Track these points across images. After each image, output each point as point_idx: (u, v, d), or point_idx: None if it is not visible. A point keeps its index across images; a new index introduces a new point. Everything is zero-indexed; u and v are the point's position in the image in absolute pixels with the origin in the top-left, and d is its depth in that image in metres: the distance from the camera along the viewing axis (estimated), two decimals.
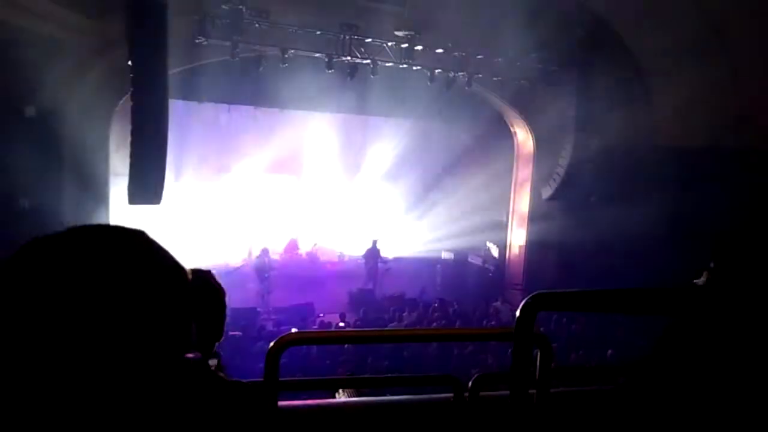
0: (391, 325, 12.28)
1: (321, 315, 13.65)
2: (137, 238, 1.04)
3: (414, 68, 13.21)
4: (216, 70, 12.38)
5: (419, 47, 12.90)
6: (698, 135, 12.31)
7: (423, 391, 2.96)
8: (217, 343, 2.21)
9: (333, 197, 21.09)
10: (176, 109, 13.05)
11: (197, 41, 11.24)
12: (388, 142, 20.05)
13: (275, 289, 15.34)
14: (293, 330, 9.73)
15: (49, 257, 0.94)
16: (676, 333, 1.37)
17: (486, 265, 18.00)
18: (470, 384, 2.59)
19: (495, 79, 14.12)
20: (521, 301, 1.33)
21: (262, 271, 15.79)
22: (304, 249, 19.76)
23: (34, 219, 9.54)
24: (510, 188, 17.12)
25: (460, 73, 13.48)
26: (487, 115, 16.63)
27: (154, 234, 1.07)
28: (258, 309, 14.09)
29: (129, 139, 9.56)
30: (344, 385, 4.90)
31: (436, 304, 13.74)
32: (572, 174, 14.27)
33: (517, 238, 16.85)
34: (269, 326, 12.52)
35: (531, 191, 16.14)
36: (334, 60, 12.39)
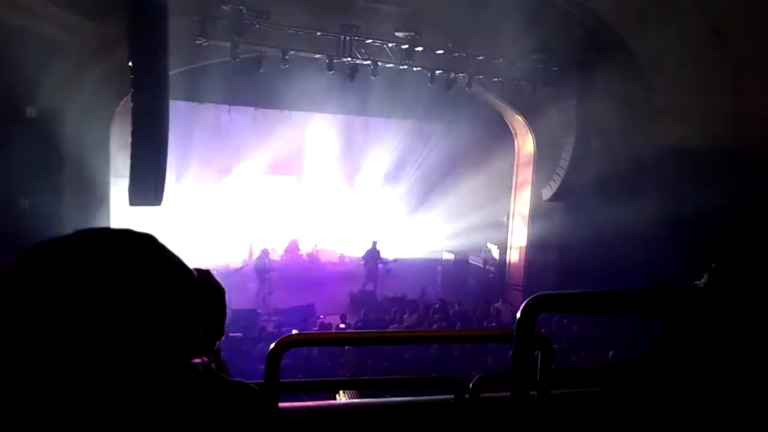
0: (391, 326, 12.28)
1: (321, 316, 13.66)
2: (147, 242, 1.04)
3: (414, 69, 13.21)
4: (216, 70, 12.38)
5: (420, 48, 12.90)
6: (698, 135, 12.30)
7: (424, 392, 2.95)
8: (218, 343, 2.21)
9: (333, 198, 21.10)
10: (177, 109, 13.06)
11: (198, 42, 11.24)
12: (389, 143, 20.07)
13: (276, 290, 15.36)
14: (294, 331, 9.73)
15: (58, 260, 0.94)
16: (677, 334, 1.37)
17: (486, 266, 18.01)
18: (471, 385, 2.58)
19: (495, 79, 14.12)
20: (522, 303, 1.32)
21: (263, 272, 15.79)
22: (304, 250, 19.77)
23: (34, 219, 9.54)
24: (510, 189, 17.12)
25: (460, 74, 13.48)
26: (488, 116, 16.63)
27: (154, 235, 1.07)
28: (258, 310, 14.11)
29: (129, 139, 9.55)
30: (345, 386, 4.90)
31: (436, 306, 13.74)
32: (573, 175, 14.27)
33: (518, 239, 16.85)
34: (270, 327, 12.53)
35: (531, 192, 16.14)
36: (335, 61, 12.39)
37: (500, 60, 13.63)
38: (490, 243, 18.11)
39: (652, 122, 13.82)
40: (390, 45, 12.82)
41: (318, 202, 20.96)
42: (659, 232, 12.37)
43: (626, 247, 12.78)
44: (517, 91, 14.66)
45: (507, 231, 17.30)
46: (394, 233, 20.30)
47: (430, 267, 18.83)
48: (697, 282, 1.48)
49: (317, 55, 12.39)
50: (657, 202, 12.45)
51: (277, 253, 18.66)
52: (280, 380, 2.17)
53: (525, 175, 16.55)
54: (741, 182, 10.89)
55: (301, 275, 17.71)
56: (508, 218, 17.29)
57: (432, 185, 20.32)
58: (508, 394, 1.34)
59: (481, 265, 18.20)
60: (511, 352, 1.40)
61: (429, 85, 13.57)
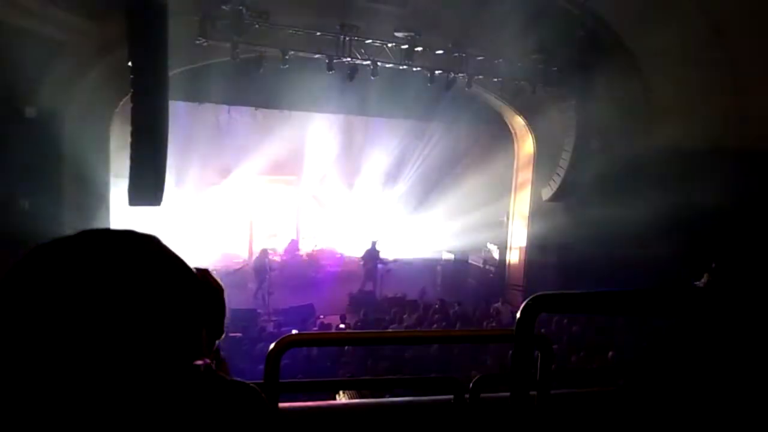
0: (391, 326, 12.28)
1: (321, 316, 13.66)
2: (150, 243, 1.03)
3: (414, 69, 13.21)
4: (216, 71, 12.38)
5: (419, 48, 12.90)
6: (698, 135, 12.30)
7: (423, 392, 2.95)
8: (217, 342, 2.21)
9: (333, 198, 21.10)
10: (176, 110, 13.06)
11: (197, 42, 11.24)
12: (388, 143, 20.07)
13: (275, 291, 15.35)
14: (293, 331, 9.73)
15: (62, 261, 0.94)
16: (677, 334, 1.37)
17: (486, 267, 18.01)
18: (471, 385, 2.58)
19: (495, 80, 14.12)
20: (522, 303, 1.32)
21: (262, 272, 15.79)
22: (304, 250, 19.77)
23: (34, 219, 9.54)
24: (510, 189, 17.12)
25: (460, 75, 13.48)
26: (488, 116, 16.64)
27: (157, 236, 1.07)
28: (258, 310, 14.10)
29: (129, 140, 9.55)
30: (345, 386, 4.90)
31: (436, 306, 13.74)
32: (572, 175, 14.27)
33: (518, 239, 16.86)
34: (269, 327, 12.53)
35: (531, 192, 16.14)
36: (335, 61, 12.39)
37: (500, 60, 13.63)
38: (490, 243, 18.11)
39: (652, 122, 13.82)
40: (390, 45, 12.82)
41: (317, 202, 20.96)
42: (659, 233, 12.36)
43: (626, 248, 12.77)
44: (516, 92, 14.66)
45: (507, 231, 17.30)
46: (394, 233, 20.29)
47: (429, 267, 18.83)
48: (697, 282, 1.48)
49: (317, 55, 12.38)
50: (657, 203, 12.44)
51: (276, 253, 18.67)
52: (280, 380, 2.17)
53: (525, 175, 16.56)
54: (741, 182, 10.89)
55: (300, 275, 17.72)
56: (507, 218, 17.29)
57: (432, 185, 20.32)
58: (508, 394, 1.34)
59: (481, 266, 18.20)
60: (511, 352, 1.40)
61: (429, 85, 13.57)
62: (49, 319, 0.89)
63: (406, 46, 12.78)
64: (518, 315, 1.31)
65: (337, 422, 2.67)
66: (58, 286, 0.90)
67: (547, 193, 15.21)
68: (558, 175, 14.62)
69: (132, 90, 9.37)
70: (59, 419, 0.88)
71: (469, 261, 18.58)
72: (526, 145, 16.48)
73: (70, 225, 10.18)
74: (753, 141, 11.56)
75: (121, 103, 11.15)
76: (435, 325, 12.18)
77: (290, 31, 11.82)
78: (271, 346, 2.20)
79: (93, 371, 0.89)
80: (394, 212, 20.96)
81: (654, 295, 1.36)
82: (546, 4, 12.16)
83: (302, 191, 20.50)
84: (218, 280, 1.47)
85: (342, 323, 12.88)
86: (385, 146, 20.06)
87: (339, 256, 20.12)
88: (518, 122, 16.23)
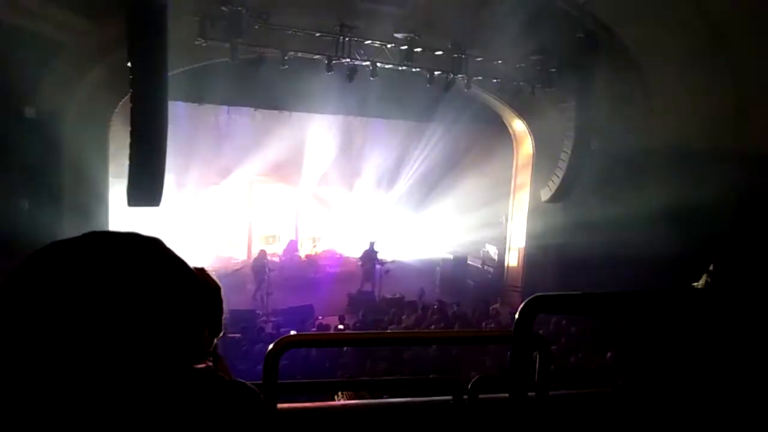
0: (390, 327, 12.29)
1: (320, 317, 13.65)
2: (153, 246, 1.04)
3: (413, 70, 13.22)
4: (216, 71, 12.37)
5: (418, 49, 12.91)
6: (698, 135, 12.30)
7: (422, 393, 2.95)
8: (216, 340, 2.21)
9: (332, 199, 21.11)
10: (176, 110, 13.05)
11: (197, 43, 11.24)
12: (388, 143, 20.07)
13: (274, 291, 15.34)
14: (292, 332, 9.73)
15: (66, 263, 0.94)
16: (676, 335, 1.37)
17: (485, 267, 18.02)
18: (469, 386, 2.58)
19: (494, 81, 14.14)
20: (520, 304, 1.33)
21: (261, 273, 15.79)
22: (303, 251, 19.78)
23: (33, 219, 9.54)
24: (509, 190, 17.13)
25: (459, 75, 13.49)
26: (487, 117, 16.64)
27: (160, 238, 1.07)
28: (257, 311, 14.10)
29: (128, 140, 9.55)
30: (343, 387, 4.90)
31: (435, 306, 13.74)
32: (571, 176, 14.27)
33: (517, 240, 16.87)
34: (268, 328, 12.52)
35: (530, 193, 16.15)
36: (334, 62, 12.39)
37: (499, 61, 13.65)
38: (489, 244, 18.12)
39: (651, 122, 13.83)
40: (389, 46, 12.82)
41: (317, 202, 20.97)
42: (658, 233, 12.36)
43: (625, 248, 12.77)
44: (516, 92, 14.67)
45: (506, 232, 17.31)
46: (393, 234, 20.31)
47: (428, 268, 18.84)
48: (696, 283, 1.48)
49: (316, 56, 12.39)
50: (656, 203, 12.44)
51: (275, 254, 18.67)
52: (279, 381, 2.17)
53: (524, 176, 16.57)
54: (740, 182, 10.89)
55: (299, 276, 17.73)
56: (506, 219, 17.30)
57: (431, 186, 20.33)
58: (507, 395, 1.34)
59: (480, 266, 18.21)
60: (509, 353, 1.40)
61: (428, 86, 13.58)
62: (54, 321, 0.89)
63: (405, 47, 12.79)
64: (517, 316, 1.31)
65: (336, 423, 2.67)
66: (62, 288, 0.91)
67: (546, 193, 15.21)
68: (557, 176, 14.63)
69: (131, 90, 9.37)
70: (63, 419, 0.89)
71: (468, 262, 18.58)
72: (525, 146, 16.49)
73: (69, 225, 10.19)
74: (753, 141, 11.56)
75: (121, 103, 11.15)
76: (434, 326, 12.18)
77: (290, 32, 11.82)
78: (270, 346, 2.20)
79: (97, 372, 0.89)
80: (393, 213, 20.97)
81: (652, 296, 1.36)
82: (545, 6, 12.16)
83: (301, 192, 20.50)
84: (215, 278, 1.48)
85: (341, 324, 12.88)
86: (384, 147, 20.06)
87: (338, 256, 20.13)
88: (517, 123, 16.24)
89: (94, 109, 11.20)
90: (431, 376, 3.48)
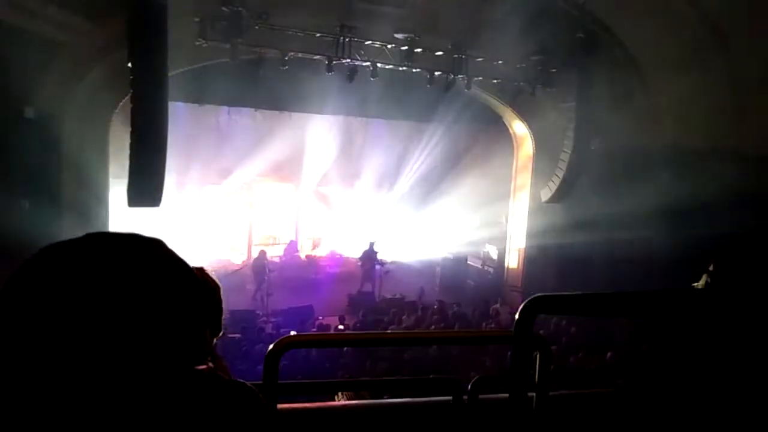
0: (390, 327, 12.28)
1: (320, 317, 13.66)
2: (155, 247, 1.04)
3: (413, 70, 13.22)
4: (216, 72, 12.39)
5: (419, 49, 12.91)
6: (698, 135, 12.30)
7: (422, 393, 2.95)
8: (216, 340, 2.22)
9: (332, 199, 21.11)
10: (176, 111, 13.05)
11: (197, 43, 11.25)
12: (388, 144, 20.08)
13: (274, 292, 15.35)
14: (292, 332, 9.73)
15: (68, 263, 0.94)
16: (676, 336, 1.37)
17: (485, 268, 18.01)
18: (469, 387, 2.58)
19: (494, 81, 14.15)
20: (520, 304, 1.32)
21: (261, 273, 15.79)
22: (303, 251, 19.77)
23: (33, 220, 9.53)
24: (509, 190, 17.13)
25: (459, 76, 13.49)
26: (487, 117, 16.66)
27: (162, 239, 1.07)
28: (257, 311, 14.10)
29: (128, 141, 9.55)
30: (344, 387, 4.90)
31: (435, 307, 13.74)
32: (572, 176, 14.27)
33: (517, 240, 16.87)
34: (268, 328, 12.52)
35: (530, 193, 16.15)
36: (334, 62, 12.39)
37: (499, 61, 13.65)
38: (489, 244, 18.11)
39: (652, 123, 13.82)
40: (389, 46, 12.83)
41: (317, 203, 20.97)
42: (658, 233, 12.37)
43: (625, 248, 12.78)
44: (516, 93, 14.68)
45: (506, 232, 17.31)
46: (393, 234, 20.31)
47: (428, 268, 18.85)
48: (695, 284, 1.48)
49: (316, 57, 12.39)
50: (656, 203, 12.44)
51: (275, 254, 18.68)
52: (279, 381, 2.17)
53: (524, 176, 16.57)
54: (740, 182, 10.88)
55: (299, 276, 17.73)
56: (506, 219, 17.30)
57: (431, 186, 20.34)
58: (507, 395, 1.34)
59: (480, 267, 18.21)
60: (509, 353, 1.40)
61: (428, 86, 13.58)
62: (55, 323, 0.89)
63: (405, 48, 12.79)
64: (517, 316, 1.31)
65: (336, 423, 2.67)
66: (63, 290, 0.90)
67: (546, 194, 15.21)
68: (557, 176, 14.62)
69: (131, 91, 9.37)
70: (64, 421, 0.89)
71: (468, 262, 18.58)
72: (525, 146, 16.49)
73: (68, 225, 10.19)
74: (752, 141, 11.56)
75: (121, 104, 11.15)
76: (434, 326, 12.18)
77: (290, 33, 11.82)
78: (270, 347, 2.20)
79: (98, 373, 0.89)
80: (393, 213, 20.97)
81: (652, 297, 1.36)
82: (545, 6, 12.16)
83: (302, 192, 20.51)
84: (215, 278, 1.48)
85: (341, 324, 12.88)
86: (384, 147, 20.07)
87: (338, 257, 20.13)
88: (517, 123, 16.24)
89: (94, 110, 11.20)
90: (431, 376, 3.48)
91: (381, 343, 8.07)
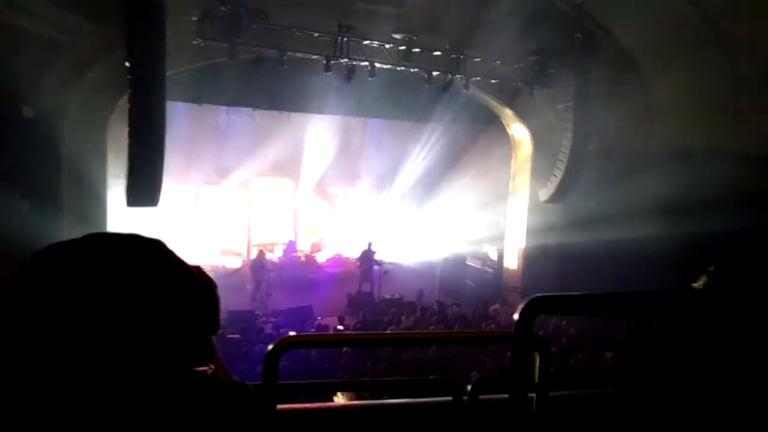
0: (390, 328, 12.28)
1: (319, 318, 13.65)
2: (156, 247, 1.03)
3: (411, 70, 13.22)
4: (214, 72, 12.38)
5: (417, 49, 12.91)
6: (697, 135, 12.32)
7: (422, 394, 2.95)
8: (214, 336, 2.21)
9: (331, 199, 21.12)
10: (175, 110, 13.04)
11: (196, 43, 11.24)
12: (386, 144, 20.08)
13: (274, 292, 15.35)
14: (292, 333, 9.72)
15: (68, 264, 0.94)
16: (675, 336, 1.37)
17: (484, 268, 18.01)
18: (469, 387, 2.58)
19: (492, 81, 14.15)
20: (520, 304, 1.32)
21: (260, 273, 15.79)
22: (302, 251, 19.77)
23: (32, 219, 9.52)
24: (508, 190, 17.13)
25: (457, 76, 13.49)
26: (485, 118, 16.67)
27: (162, 240, 1.07)
28: (256, 311, 14.10)
29: (127, 140, 9.54)
30: (343, 388, 4.89)
31: (435, 307, 13.74)
32: (570, 176, 14.28)
33: (516, 240, 16.86)
34: (268, 329, 12.51)
35: (529, 193, 16.15)
36: (332, 62, 12.38)
37: (497, 62, 13.65)
38: (488, 244, 18.11)
39: (650, 123, 13.83)
40: (387, 46, 12.83)
41: (316, 203, 20.97)
42: (658, 233, 12.37)
43: (624, 249, 12.78)
44: (514, 93, 14.69)
45: (505, 232, 17.31)
46: (392, 234, 20.31)
47: (428, 269, 18.84)
48: (695, 284, 1.48)
49: (315, 56, 12.39)
50: (655, 203, 12.45)
51: (275, 255, 18.68)
52: (279, 382, 2.16)
53: (522, 176, 16.57)
54: (739, 182, 10.89)
55: (298, 276, 17.73)
56: (505, 220, 17.29)
57: (429, 186, 20.34)
58: (507, 396, 1.34)
59: (479, 267, 18.20)
60: (509, 353, 1.40)
61: (426, 86, 13.58)
62: (55, 323, 0.88)
63: (403, 48, 12.79)
64: (516, 316, 1.31)
65: (336, 423, 2.66)
66: (64, 290, 0.90)
67: (544, 194, 15.21)
68: (555, 176, 14.63)
69: (130, 91, 9.37)
70: (64, 421, 0.88)
71: (468, 262, 18.58)
72: (523, 146, 16.50)
73: (68, 225, 10.19)
74: (752, 141, 11.57)
75: (119, 103, 11.14)
76: (433, 327, 12.18)
77: (288, 32, 11.82)
78: (270, 347, 2.19)
79: (98, 374, 0.89)
80: (392, 213, 20.97)
81: (652, 297, 1.36)
82: (543, 6, 12.18)
83: (300, 192, 20.51)
84: (211, 276, 1.47)
85: (340, 324, 12.88)
86: (382, 147, 20.07)
87: (337, 257, 20.13)
88: (515, 124, 16.24)
89: (92, 109, 11.20)
90: (431, 376, 3.47)
91: (380, 344, 8.07)
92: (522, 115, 15.72)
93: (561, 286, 14.00)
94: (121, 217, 11.48)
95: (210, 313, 1.84)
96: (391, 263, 17.84)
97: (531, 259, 16.17)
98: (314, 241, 20.53)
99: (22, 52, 9.25)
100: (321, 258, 19.89)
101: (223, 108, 17.64)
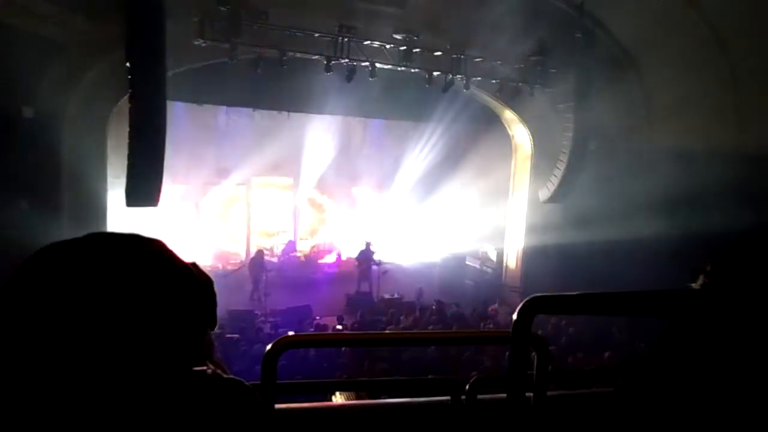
0: (388, 328, 12.28)
1: (318, 317, 13.64)
2: (156, 247, 1.04)
3: (412, 70, 13.22)
4: (215, 72, 12.38)
5: (417, 49, 12.91)
6: (697, 135, 12.32)
7: (420, 393, 2.95)
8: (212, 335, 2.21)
9: (331, 199, 21.11)
10: (175, 110, 13.03)
11: (196, 43, 11.24)
12: (386, 144, 20.07)
13: (272, 292, 15.34)
14: (290, 332, 9.72)
15: (68, 264, 0.94)
16: (674, 336, 1.37)
17: (484, 268, 18.00)
18: (468, 387, 2.58)
19: (493, 81, 14.15)
20: (519, 304, 1.32)
21: (260, 273, 15.78)
22: (301, 251, 19.76)
23: (32, 219, 9.53)
24: (508, 190, 17.14)
25: (457, 76, 13.49)
26: (485, 118, 16.67)
27: (162, 240, 1.07)
28: (255, 311, 14.09)
29: (127, 140, 9.54)
30: (342, 388, 4.90)
31: (433, 307, 13.73)
32: (570, 176, 14.28)
33: (515, 240, 16.87)
34: (266, 328, 12.51)
35: (529, 193, 16.16)
36: (332, 62, 12.38)
37: (498, 62, 13.66)
38: (487, 244, 18.11)
39: (650, 123, 13.84)
40: (388, 46, 12.83)
41: (315, 203, 20.96)
42: (657, 233, 12.38)
43: (624, 248, 12.79)
44: (514, 93, 14.69)
45: (504, 232, 17.31)
46: (392, 234, 20.31)
47: (427, 268, 18.84)
48: (693, 284, 1.48)
49: (315, 56, 12.39)
50: (655, 203, 12.45)
51: (274, 254, 18.66)
52: (277, 381, 2.16)
53: (522, 176, 16.57)
54: (739, 182, 10.90)
55: (297, 276, 17.72)
56: (505, 220, 17.30)
57: (429, 186, 20.34)
58: (505, 395, 1.34)
59: (478, 267, 18.20)
60: (507, 353, 1.40)
61: (426, 86, 13.59)
62: (56, 323, 0.89)
63: (404, 48, 12.80)
64: (515, 316, 1.31)
65: (334, 423, 2.67)
66: (64, 290, 0.90)
67: (544, 194, 15.22)
68: (555, 176, 14.63)
69: (130, 91, 9.37)
70: (64, 421, 0.88)
71: (467, 262, 18.57)
72: (523, 146, 16.50)
73: (68, 225, 10.19)
74: (752, 141, 11.58)
75: (119, 103, 11.15)
76: (432, 327, 12.17)
77: (288, 32, 11.81)
78: (268, 347, 2.19)
79: (98, 373, 0.89)
80: (391, 213, 20.97)
81: (650, 297, 1.36)
82: (543, 6, 12.18)
83: (300, 192, 20.50)
84: (207, 273, 1.48)
85: (339, 324, 12.87)
86: (382, 147, 20.06)
87: (336, 257, 20.12)
88: (516, 124, 16.25)
89: (92, 109, 11.20)
90: (429, 376, 3.48)
91: (379, 344, 8.07)
92: (522, 115, 15.73)
93: (560, 286, 13.99)
94: (121, 217, 11.48)
95: (208, 310, 1.84)
96: (390, 263, 17.82)
97: (530, 258, 16.17)
98: (313, 245, 20.50)
99: (22, 52, 9.24)
100: (320, 258, 19.88)
101: (223, 108, 17.62)
